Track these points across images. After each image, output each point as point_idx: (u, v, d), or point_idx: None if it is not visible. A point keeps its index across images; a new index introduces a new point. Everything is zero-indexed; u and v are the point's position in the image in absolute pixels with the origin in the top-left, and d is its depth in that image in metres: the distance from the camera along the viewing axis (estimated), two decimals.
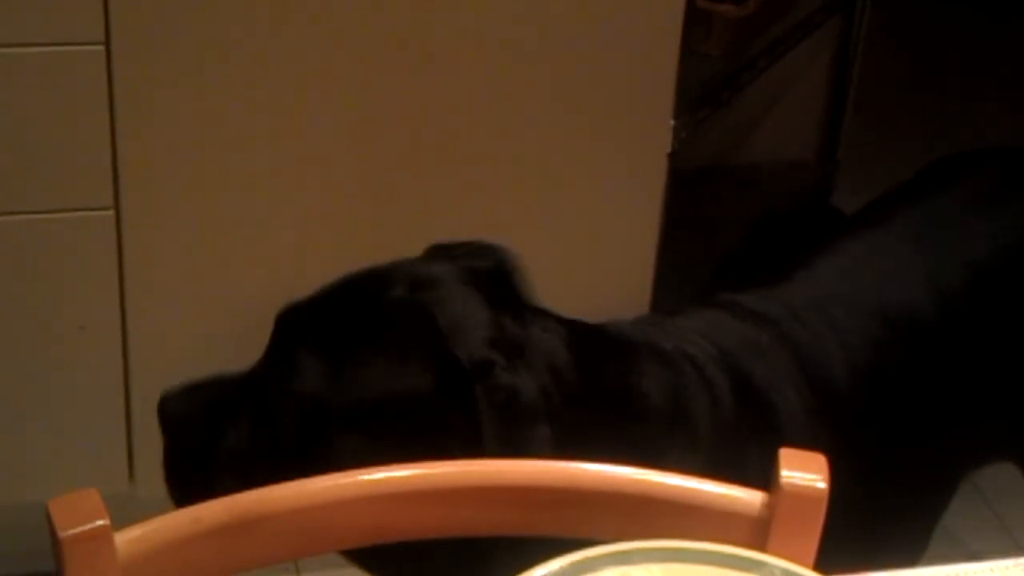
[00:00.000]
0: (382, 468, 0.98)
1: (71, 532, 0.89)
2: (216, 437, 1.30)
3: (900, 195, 1.76)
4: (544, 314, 1.36)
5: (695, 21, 2.03)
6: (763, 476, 0.97)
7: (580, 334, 1.36)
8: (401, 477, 0.98)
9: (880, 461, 1.52)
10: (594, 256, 2.00)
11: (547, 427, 1.24)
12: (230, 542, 0.95)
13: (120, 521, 0.91)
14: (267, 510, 0.95)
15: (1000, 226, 1.68)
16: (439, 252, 1.42)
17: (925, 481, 1.62)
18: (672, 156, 1.99)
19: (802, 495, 0.94)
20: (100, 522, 0.89)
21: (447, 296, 1.30)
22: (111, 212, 1.80)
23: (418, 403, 1.24)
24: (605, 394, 1.33)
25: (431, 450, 1.22)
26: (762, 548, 0.94)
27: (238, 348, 1.93)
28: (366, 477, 0.97)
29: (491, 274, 1.37)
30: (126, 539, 0.92)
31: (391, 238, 1.93)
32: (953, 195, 1.72)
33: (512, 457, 1.18)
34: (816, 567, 0.93)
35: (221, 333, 1.91)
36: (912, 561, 1.62)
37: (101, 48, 1.72)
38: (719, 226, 2.65)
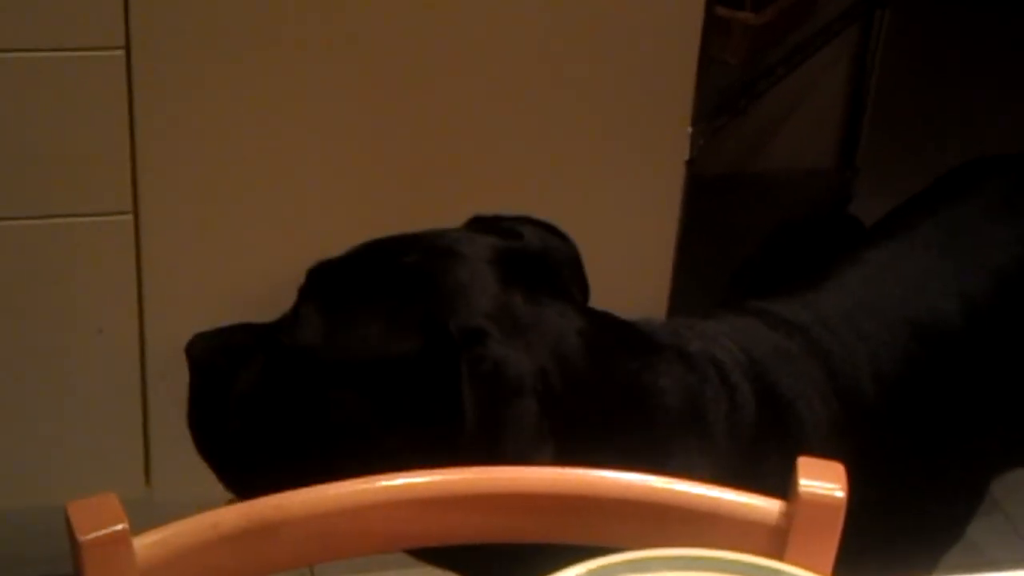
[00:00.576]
0: (400, 475, 0.98)
1: (90, 536, 0.89)
2: (231, 380, 1.32)
3: (922, 202, 1.76)
4: (567, 301, 1.34)
5: (714, 28, 2.03)
6: (784, 485, 0.97)
7: (600, 326, 1.35)
8: (418, 483, 0.98)
9: (905, 471, 1.52)
10: (611, 263, 2.00)
11: (534, 404, 1.22)
12: (248, 547, 0.95)
13: (137, 525, 0.91)
14: (285, 516, 0.95)
15: (1023, 231, 1.68)
16: (478, 224, 1.41)
17: (950, 490, 1.62)
18: (690, 163, 1.99)
19: (820, 504, 0.94)
20: (119, 526, 0.90)
21: (457, 266, 1.29)
22: (130, 216, 1.81)
23: (404, 367, 1.24)
24: (613, 386, 1.32)
25: (413, 417, 1.23)
26: (780, 557, 0.94)
27: None
28: (384, 483, 0.97)
29: (521, 252, 1.36)
30: (144, 543, 0.92)
31: None
32: (974, 202, 1.72)
33: (490, 431, 1.19)
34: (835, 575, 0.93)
35: None
36: (928, 570, 1.62)
37: (121, 53, 1.72)
38: (736, 234, 2.65)
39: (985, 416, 1.63)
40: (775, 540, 0.96)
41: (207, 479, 1.97)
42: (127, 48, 1.72)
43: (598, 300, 1.48)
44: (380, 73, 1.82)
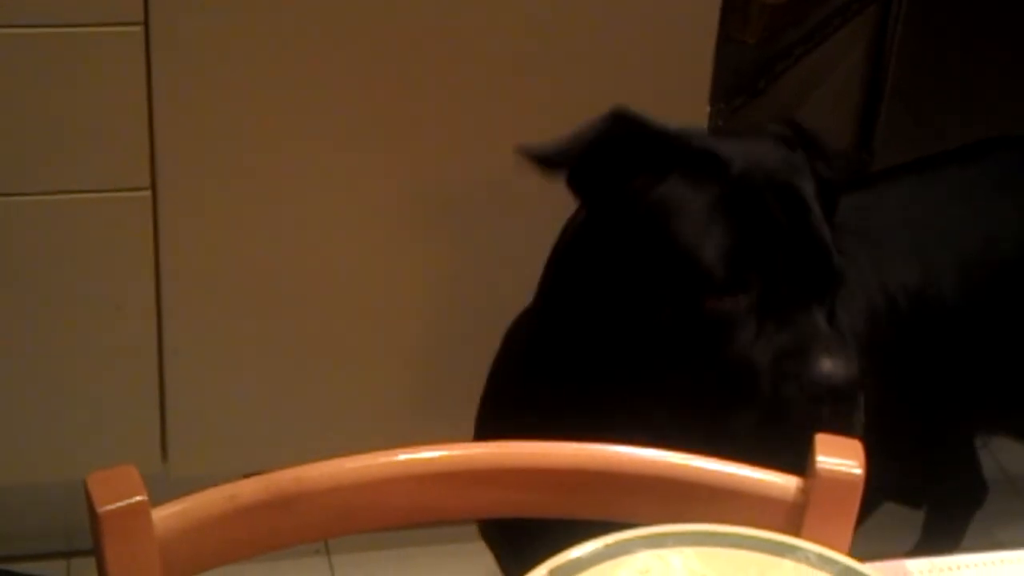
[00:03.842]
0: (419, 448, 0.98)
1: (110, 507, 0.89)
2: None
3: (946, 157, 1.79)
4: None
5: (732, 8, 2.02)
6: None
7: None
8: (438, 457, 0.98)
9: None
10: None
11: None
12: (265, 520, 0.96)
13: (153, 501, 0.92)
14: (303, 489, 0.96)
15: None
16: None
17: (928, 435, 1.66)
18: None
19: (838, 481, 0.94)
20: (138, 498, 0.90)
21: None
22: (148, 192, 1.81)
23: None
24: None
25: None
26: (796, 533, 0.94)
27: (272, 328, 1.94)
28: (403, 457, 0.98)
29: None
30: (163, 515, 0.93)
31: (425, 221, 1.93)
32: (988, 171, 1.75)
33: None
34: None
35: (255, 313, 1.91)
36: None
37: (140, 29, 1.72)
38: None
39: (972, 376, 1.66)
40: (792, 516, 0.96)
41: (223, 454, 1.98)
42: (146, 24, 1.72)
43: None
44: (398, 48, 1.82)
